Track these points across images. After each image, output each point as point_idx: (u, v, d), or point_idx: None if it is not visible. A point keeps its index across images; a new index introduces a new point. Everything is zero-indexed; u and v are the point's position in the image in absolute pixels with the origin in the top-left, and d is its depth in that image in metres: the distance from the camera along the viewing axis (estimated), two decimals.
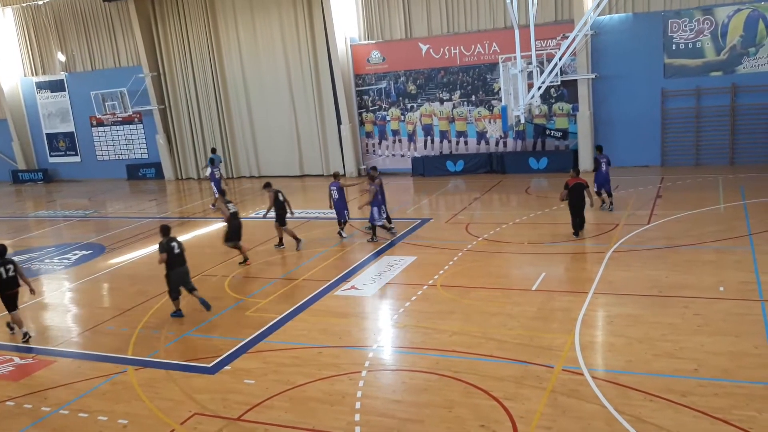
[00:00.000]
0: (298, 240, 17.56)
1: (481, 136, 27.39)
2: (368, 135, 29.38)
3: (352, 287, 13.99)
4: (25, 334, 12.62)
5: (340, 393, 9.35)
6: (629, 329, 10.66)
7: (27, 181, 37.11)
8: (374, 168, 18.54)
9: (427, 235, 17.85)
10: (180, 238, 18.74)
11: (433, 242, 17.01)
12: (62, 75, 35.29)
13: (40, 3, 34.12)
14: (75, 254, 19.17)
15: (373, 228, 17.65)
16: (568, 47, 19.21)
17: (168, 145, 33.11)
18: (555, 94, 25.63)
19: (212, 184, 24.42)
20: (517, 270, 14.80)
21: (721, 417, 7.90)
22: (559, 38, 24.35)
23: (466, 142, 27.72)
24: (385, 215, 17.71)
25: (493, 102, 26.67)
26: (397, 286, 13.93)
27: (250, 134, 31.53)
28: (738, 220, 16.47)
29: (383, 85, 28.53)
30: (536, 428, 8.05)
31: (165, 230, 13.18)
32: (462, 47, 26.78)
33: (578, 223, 16.45)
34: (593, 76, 24.68)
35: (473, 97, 27.15)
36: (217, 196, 23.60)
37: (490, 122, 27.11)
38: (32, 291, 13.00)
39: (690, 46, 23.57)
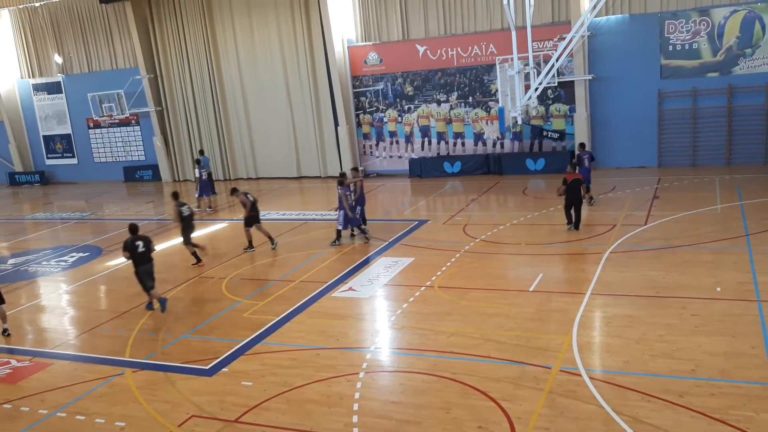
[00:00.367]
0: (272, 240, 17.75)
1: (479, 137, 27.41)
2: (365, 136, 29.39)
3: (350, 289, 13.98)
4: (5, 330, 12.83)
5: (338, 395, 9.35)
6: (627, 330, 10.67)
7: (24, 183, 37.04)
8: (355, 169, 18.61)
9: (424, 237, 17.85)
10: (176, 240, 18.86)
11: (430, 243, 17.01)
12: (59, 77, 35.25)
13: (37, 5, 34.06)
14: (72, 256, 19.13)
15: (338, 232, 17.65)
16: (565, 48, 19.20)
17: (165, 147, 33.08)
18: (552, 96, 25.66)
19: (198, 185, 24.58)
20: (514, 271, 14.81)
21: (719, 417, 7.91)
22: (556, 39, 24.39)
23: (463, 144, 27.74)
24: (358, 217, 17.74)
25: (491, 103, 26.70)
26: (394, 287, 13.92)
27: (247, 136, 31.51)
28: (735, 221, 16.50)
29: (380, 86, 28.55)
30: (534, 429, 8.05)
31: (133, 229, 13.60)
32: (459, 49, 26.81)
33: (576, 217, 16.93)
34: (590, 78, 24.72)
35: (470, 99, 27.17)
36: (204, 197, 23.98)
37: (487, 123, 27.13)
38: None
39: (686, 47, 23.62)
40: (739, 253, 14.07)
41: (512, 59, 18.52)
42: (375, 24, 28.08)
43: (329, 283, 14.42)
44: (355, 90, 28.97)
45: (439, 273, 14.46)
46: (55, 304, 15.30)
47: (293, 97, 30.03)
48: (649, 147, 24.84)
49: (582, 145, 20.57)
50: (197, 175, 24.69)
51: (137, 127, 34.41)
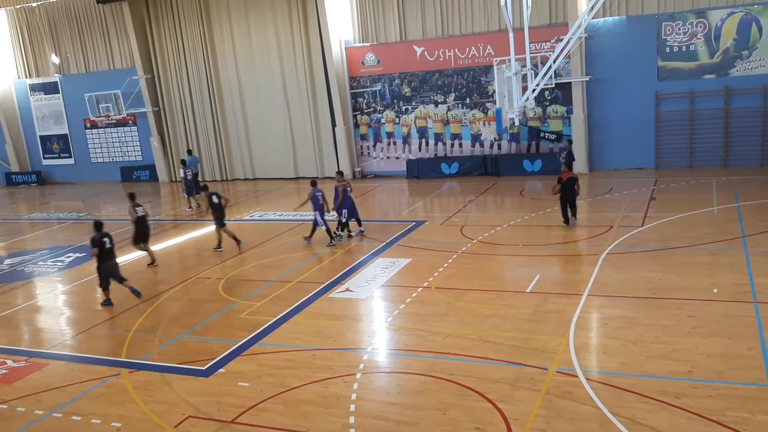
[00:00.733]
0: (238, 241, 17.98)
1: (476, 138, 27.43)
2: (363, 137, 29.39)
3: (347, 290, 13.98)
4: None
5: (335, 395, 9.34)
6: (623, 331, 10.68)
7: (20, 183, 36.98)
8: (339, 173, 18.58)
9: (421, 238, 17.85)
10: (174, 241, 18.86)
11: (427, 244, 17.02)
12: (56, 77, 35.21)
13: (34, 5, 34.02)
14: (69, 257, 19.09)
15: (312, 229, 17.94)
16: (562, 50, 19.23)
17: (162, 148, 33.04)
18: (549, 97, 25.69)
19: (184, 185, 25.03)
20: (511, 272, 14.82)
21: (715, 419, 7.92)
22: (553, 41, 24.43)
23: (460, 145, 27.75)
24: (343, 220, 17.94)
25: (488, 104, 26.72)
26: (391, 288, 13.92)
27: (244, 136, 31.50)
28: (731, 223, 16.53)
29: (378, 87, 28.55)
30: (531, 430, 8.06)
31: (98, 226, 14.09)
32: (456, 50, 26.83)
33: (571, 212, 17.37)
34: (587, 79, 24.75)
35: (468, 100, 27.19)
36: (190, 197, 24.61)
37: (484, 125, 27.15)
38: None
39: (683, 49, 23.66)
40: (736, 254, 14.10)
41: (510, 60, 18.52)
42: (372, 25, 28.09)
43: (326, 283, 14.41)
44: (352, 91, 28.97)
45: (436, 274, 14.46)
46: (52, 304, 15.27)
47: (290, 97, 30.02)
48: (646, 148, 24.88)
49: (569, 141, 21.86)
50: (182, 175, 25.11)
51: (134, 128, 34.37)
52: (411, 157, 28.49)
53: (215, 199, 17.89)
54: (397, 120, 28.60)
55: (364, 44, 28.35)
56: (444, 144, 28.02)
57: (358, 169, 29.38)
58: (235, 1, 29.91)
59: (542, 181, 24.51)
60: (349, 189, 18.10)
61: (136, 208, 16.95)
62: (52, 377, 10.90)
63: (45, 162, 37.08)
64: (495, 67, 19.72)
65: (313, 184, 18.20)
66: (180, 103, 32.09)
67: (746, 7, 22.67)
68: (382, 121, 28.85)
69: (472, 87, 26.99)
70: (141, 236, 17.01)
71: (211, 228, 20.35)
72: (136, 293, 14.25)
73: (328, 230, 17.70)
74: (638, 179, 23.16)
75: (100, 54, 33.95)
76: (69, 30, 34.11)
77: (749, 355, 9.51)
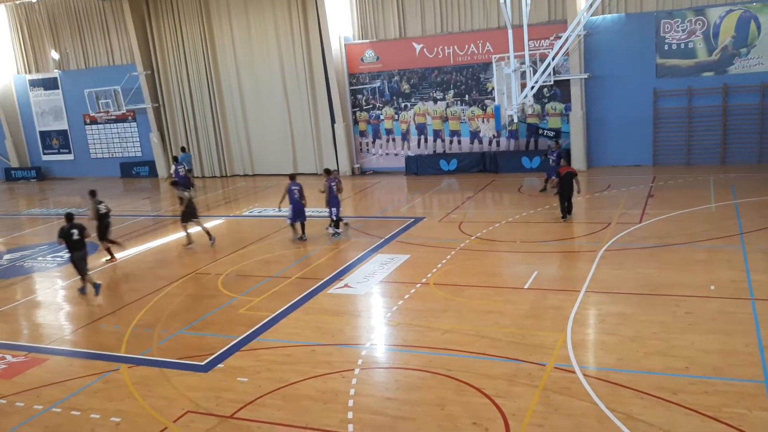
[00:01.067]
0: (190, 241, 18.25)
1: (475, 135, 27.45)
2: (362, 134, 29.40)
3: (346, 285, 14.01)
4: None
5: (333, 391, 9.37)
6: (621, 327, 10.72)
7: (20, 178, 36.99)
8: (326, 171, 18.65)
9: (420, 234, 17.88)
10: (172, 237, 18.88)
11: (426, 241, 17.05)
12: (56, 73, 35.19)
13: (34, 0, 33.99)
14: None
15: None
16: (561, 47, 19.24)
17: (162, 144, 33.03)
18: (548, 94, 25.71)
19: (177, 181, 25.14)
20: (509, 268, 14.86)
21: (712, 415, 7.96)
22: (552, 38, 24.43)
23: (459, 141, 27.77)
24: (335, 218, 18.13)
25: (487, 101, 26.74)
26: (390, 284, 13.96)
27: (244, 132, 31.51)
28: (729, 220, 16.58)
29: (377, 84, 28.56)
30: (528, 426, 8.10)
31: (69, 217, 14.81)
32: (456, 47, 26.83)
33: (566, 208, 17.59)
34: (586, 76, 24.76)
35: (467, 97, 27.20)
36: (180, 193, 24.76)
37: (483, 121, 27.17)
38: None
39: (682, 46, 23.68)
40: (733, 251, 14.14)
41: (509, 57, 18.55)
42: (372, 22, 28.09)
43: (325, 279, 14.44)
44: (352, 87, 28.97)
45: (434, 270, 14.49)
46: (51, 299, 15.30)
47: (290, 94, 30.03)
48: (644, 146, 24.91)
49: (557, 143, 22.20)
50: (173, 171, 25.71)
51: (134, 124, 34.36)
52: (410, 153, 28.51)
53: (187, 195, 18.45)
54: (396, 117, 28.61)
55: (364, 41, 28.35)
56: (443, 141, 28.04)
57: (357, 166, 29.40)
58: None
59: (540, 178, 24.46)
60: (334, 186, 17.96)
61: (98, 206, 17.46)
62: (52, 372, 10.93)
63: (44, 158, 37.07)
64: (494, 64, 19.77)
65: (291, 178, 18.49)
66: (180, 99, 32.08)
67: (745, 5, 22.69)
68: (381, 117, 28.86)
69: (471, 84, 27.00)
70: (102, 232, 17.45)
71: (211, 223, 20.41)
72: (96, 288, 14.73)
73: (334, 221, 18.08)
74: (636, 176, 23.20)
75: (99, 50, 33.93)
76: (69, 26, 34.08)
77: (746, 351, 9.55)
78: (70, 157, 36.43)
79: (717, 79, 23.52)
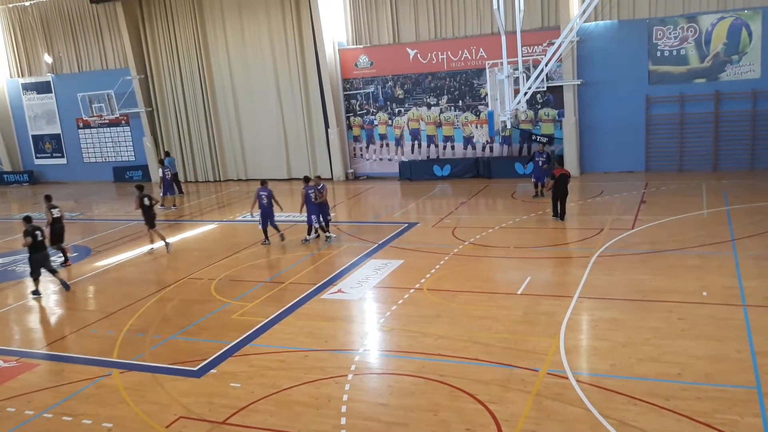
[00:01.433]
0: (167, 244, 18.70)
1: (468, 140, 27.51)
2: (356, 139, 29.42)
3: (339, 291, 14.01)
4: None
5: (326, 396, 9.37)
6: (613, 333, 10.75)
7: (12, 182, 36.81)
8: (305, 178, 18.56)
9: (414, 239, 17.90)
10: (168, 240, 18.85)
11: (419, 246, 17.06)
12: (49, 76, 35.08)
13: (27, 4, 33.92)
14: (60, 257, 19.02)
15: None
16: (554, 53, 19.32)
17: (155, 148, 32.94)
18: (541, 100, 25.80)
19: (162, 185, 26.10)
20: (502, 274, 14.88)
21: (704, 421, 7.99)
22: (545, 44, 24.53)
23: (453, 147, 27.83)
24: (316, 225, 18.21)
25: (480, 107, 26.80)
26: (383, 289, 13.96)
27: (237, 137, 31.48)
28: (721, 226, 16.65)
29: (371, 89, 28.60)
30: (521, 431, 8.11)
31: (27, 219, 15.28)
32: (449, 52, 26.91)
33: (561, 210, 17.93)
34: (579, 83, 24.86)
35: (460, 102, 27.27)
36: (168, 196, 25.95)
37: (476, 127, 27.23)
38: None
39: (674, 53, 23.81)
40: (725, 257, 14.20)
41: (502, 64, 18.61)
42: (366, 27, 28.14)
43: (318, 285, 14.44)
44: (345, 92, 29.00)
45: (428, 275, 14.50)
46: (43, 304, 15.22)
47: (284, 98, 30.04)
48: (636, 152, 25.01)
49: (542, 144, 22.67)
50: (160, 174, 26.09)
51: (127, 128, 34.28)
52: (404, 159, 28.54)
53: (146, 201, 18.59)
54: (390, 122, 28.64)
55: (358, 46, 28.39)
56: (436, 146, 28.09)
57: (350, 171, 29.41)
58: (229, 2, 29.90)
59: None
60: (312, 194, 17.76)
61: (52, 210, 17.67)
62: (43, 377, 10.89)
63: (37, 162, 36.93)
64: (487, 70, 19.83)
65: (262, 183, 19.03)
66: (173, 103, 32.03)
67: (736, 12, 22.84)
68: (375, 122, 28.89)
69: (464, 90, 27.07)
70: (56, 237, 17.61)
71: (204, 228, 20.39)
72: (66, 286, 15.41)
73: (321, 227, 18.19)
74: (629, 182, 23.27)
75: (93, 54, 33.86)
76: (62, 29, 34.01)
77: (738, 357, 9.59)
78: (63, 161, 36.31)
79: (709, 86, 23.65)
